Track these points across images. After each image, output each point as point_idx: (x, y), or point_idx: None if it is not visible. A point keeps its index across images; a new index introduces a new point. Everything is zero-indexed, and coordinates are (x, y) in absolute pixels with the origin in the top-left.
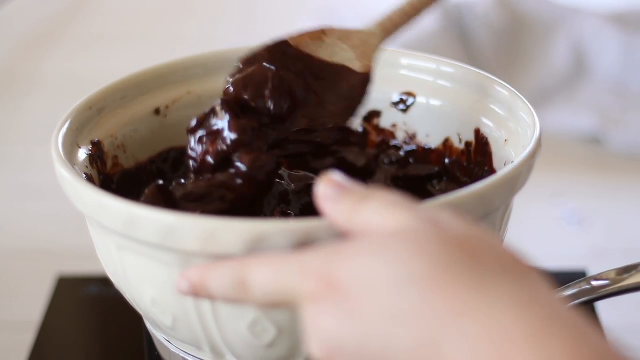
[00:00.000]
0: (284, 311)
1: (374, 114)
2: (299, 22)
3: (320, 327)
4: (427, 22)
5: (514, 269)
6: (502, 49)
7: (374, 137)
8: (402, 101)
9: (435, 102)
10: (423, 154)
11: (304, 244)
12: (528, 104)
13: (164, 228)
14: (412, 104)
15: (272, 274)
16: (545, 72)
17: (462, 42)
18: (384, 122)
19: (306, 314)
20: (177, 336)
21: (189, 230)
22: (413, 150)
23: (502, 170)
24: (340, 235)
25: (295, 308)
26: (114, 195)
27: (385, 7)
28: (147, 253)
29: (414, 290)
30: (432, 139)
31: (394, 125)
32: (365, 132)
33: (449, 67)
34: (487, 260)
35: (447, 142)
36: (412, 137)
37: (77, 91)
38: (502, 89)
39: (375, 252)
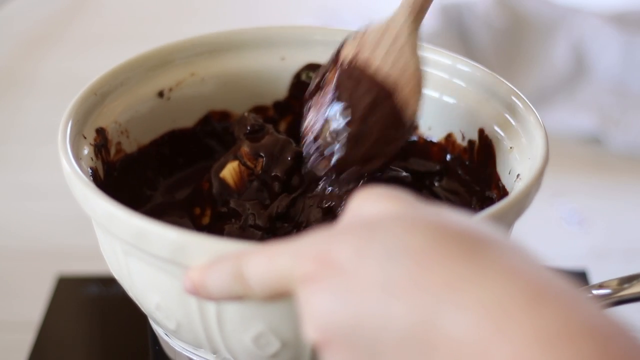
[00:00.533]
0: (288, 325)
1: None
2: (300, 23)
3: (314, 308)
4: (427, 22)
5: (502, 242)
6: (502, 49)
7: None
8: None
9: (437, 95)
10: (424, 146)
11: None
12: (533, 109)
13: (175, 245)
14: None
15: (267, 262)
16: (545, 72)
17: (462, 42)
18: None
19: (301, 296)
20: (180, 338)
21: (199, 249)
22: (414, 142)
23: (503, 201)
24: None
25: (293, 295)
26: (125, 207)
27: (385, 8)
28: (154, 263)
29: (407, 263)
30: (434, 132)
31: None
32: None
33: (464, 65)
34: (476, 236)
35: (449, 138)
36: (413, 128)
37: (77, 91)
38: (506, 89)
39: (368, 230)
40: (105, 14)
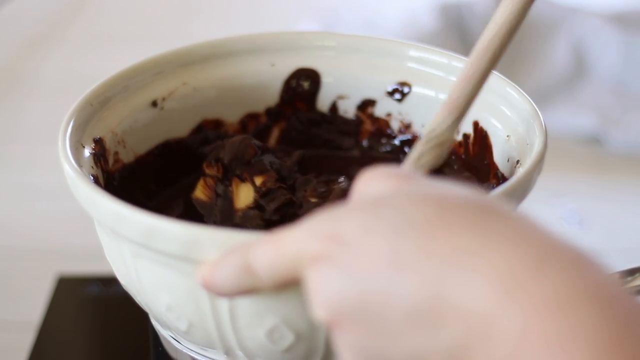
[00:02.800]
0: (302, 317)
1: (369, 103)
2: (301, 23)
3: (322, 287)
4: (427, 22)
5: (507, 211)
6: None
7: (369, 126)
8: (397, 90)
9: (433, 94)
10: None
11: None
12: (529, 98)
13: (187, 240)
14: (408, 93)
15: (274, 249)
16: (546, 72)
17: (462, 42)
18: (379, 111)
19: (309, 278)
20: (191, 339)
21: (211, 243)
22: (408, 140)
23: (506, 183)
24: None
25: (302, 280)
26: (133, 207)
27: (386, 8)
28: (166, 262)
29: (413, 235)
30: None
31: (388, 115)
32: (360, 121)
33: (459, 62)
34: (481, 206)
35: None
36: (407, 127)
37: (79, 91)
38: (500, 82)
39: (374, 206)
40: (107, 13)
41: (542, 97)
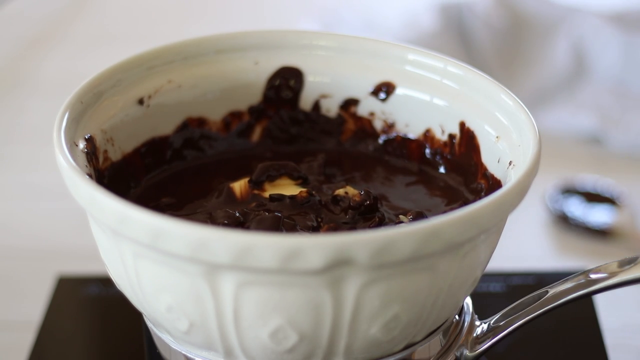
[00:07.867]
0: (307, 317)
1: (352, 102)
2: (301, 23)
3: None
4: (427, 22)
5: None
6: (502, 49)
7: (351, 125)
8: (380, 90)
9: (414, 94)
10: (402, 143)
11: (341, 259)
12: (523, 105)
13: (197, 241)
14: (392, 93)
15: None
16: (545, 72)
17: (462, 42)
18: (361, 110)
19: None
20: (190, 340)
21: (222, 244)
22: (391, 139)
23: (509, 184)
24: None
25: None
26: (141, 207)
27: (386, 8)
28: (170, 263)
29: None
30: (411, 129)
31: (371, 114)
32: (342, 120)
33: (454, 67)
34: None
35: (427, 133)
36: (390, 126)
37: None
38: (494, 87)
39: None
40: (107, 13)
41: (542, 97)
